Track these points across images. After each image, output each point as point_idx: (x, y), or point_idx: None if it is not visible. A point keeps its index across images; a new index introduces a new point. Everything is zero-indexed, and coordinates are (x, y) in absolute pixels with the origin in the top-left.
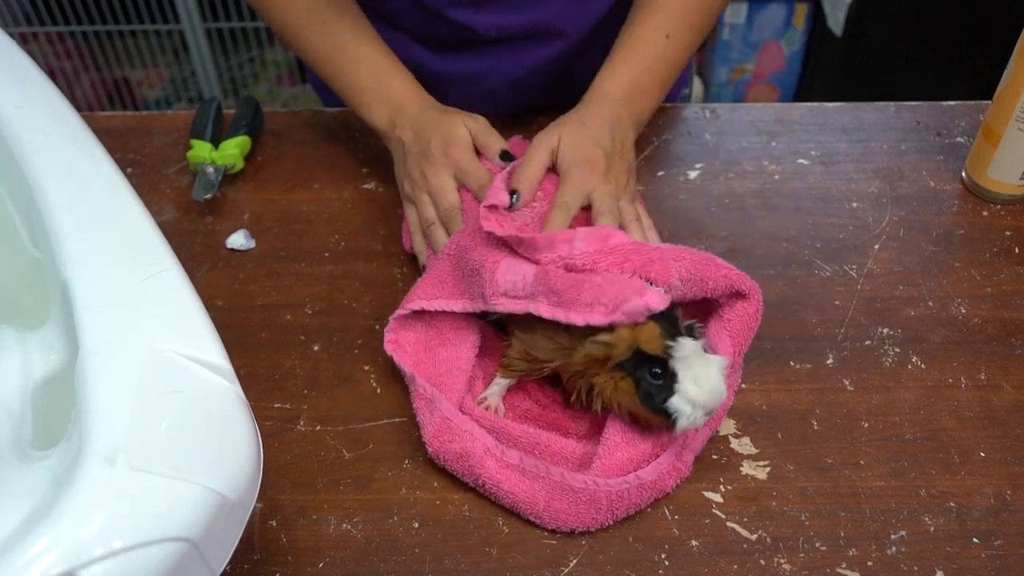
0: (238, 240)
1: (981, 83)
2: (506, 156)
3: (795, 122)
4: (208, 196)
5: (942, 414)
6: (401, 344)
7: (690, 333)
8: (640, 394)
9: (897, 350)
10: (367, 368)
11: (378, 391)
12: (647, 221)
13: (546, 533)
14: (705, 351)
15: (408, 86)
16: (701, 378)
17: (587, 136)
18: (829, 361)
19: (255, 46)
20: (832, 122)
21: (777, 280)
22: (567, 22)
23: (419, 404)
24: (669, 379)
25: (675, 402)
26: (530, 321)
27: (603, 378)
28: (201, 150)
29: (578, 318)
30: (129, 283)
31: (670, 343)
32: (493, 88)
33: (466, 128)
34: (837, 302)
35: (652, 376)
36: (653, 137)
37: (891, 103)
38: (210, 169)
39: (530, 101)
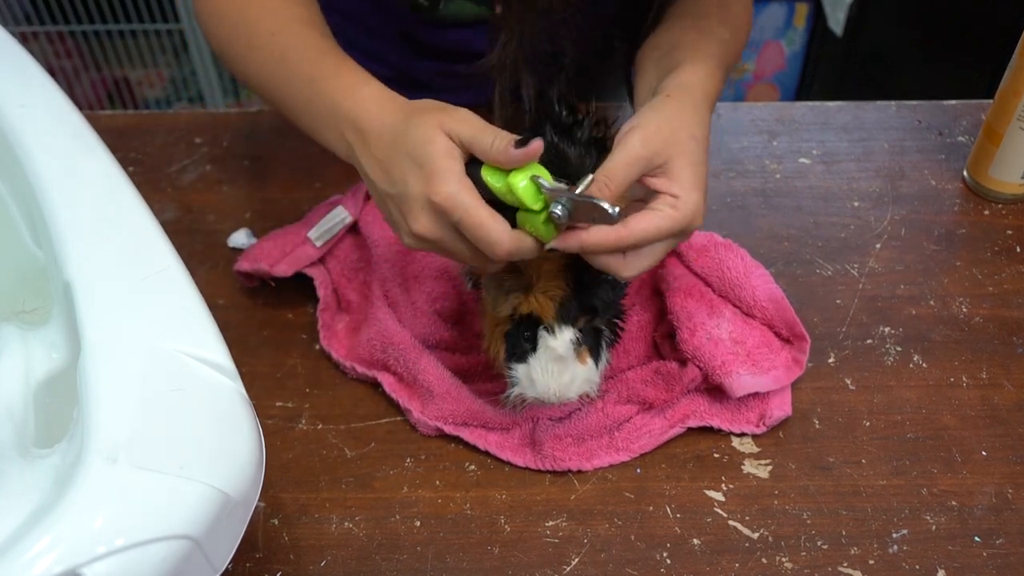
0: (240, 239)
1: (982, 83)
2: (523, 143)
3: (796, 121)
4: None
5: (943, 413)
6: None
7: (592, 334)
8: (507, 342)
9: (899, 349)
10: None
11: (380, 389)
12: None
13: (548, 532)
14: (577, 352)
15: (354, 85)
16: (550, 370)
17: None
18: (831, 360)
19: None
20: (833, 121)
21: (778, 279)
22: None
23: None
24: (530, 349)
25: (519, 369)
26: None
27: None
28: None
29: None
30: (131, 282)
31: (556, 324)
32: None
33: (447, 146)
34: (838, 301)
35: (524, 338)
36: None
37: (892, 102)
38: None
39: None
